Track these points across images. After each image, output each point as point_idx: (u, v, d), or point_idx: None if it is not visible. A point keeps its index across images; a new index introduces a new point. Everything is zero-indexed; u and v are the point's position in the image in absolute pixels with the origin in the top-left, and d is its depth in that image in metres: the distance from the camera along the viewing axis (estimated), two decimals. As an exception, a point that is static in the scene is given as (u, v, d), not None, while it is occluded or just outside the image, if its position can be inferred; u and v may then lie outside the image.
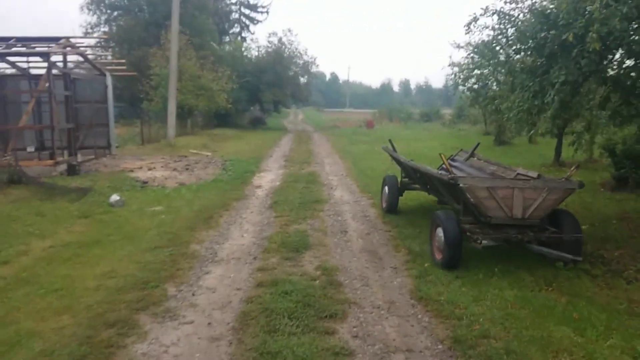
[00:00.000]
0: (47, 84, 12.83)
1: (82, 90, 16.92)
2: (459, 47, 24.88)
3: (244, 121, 44.03)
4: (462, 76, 19.89)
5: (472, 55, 18.35)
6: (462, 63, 20.29)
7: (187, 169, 15.32)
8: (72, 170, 13.36)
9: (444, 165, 9.95)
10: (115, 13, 39.80)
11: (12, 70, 16.02)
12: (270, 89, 41.88)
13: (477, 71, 18.74)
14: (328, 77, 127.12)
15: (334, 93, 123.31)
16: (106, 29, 39.26)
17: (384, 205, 9.60)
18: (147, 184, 12.77)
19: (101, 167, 15.15)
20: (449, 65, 22.12)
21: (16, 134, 13.78)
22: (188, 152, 20.18)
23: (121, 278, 6.13)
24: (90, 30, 39.81)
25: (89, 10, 39.25)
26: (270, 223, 8.90)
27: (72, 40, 14.57)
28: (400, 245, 7.54)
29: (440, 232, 6.35)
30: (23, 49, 13.41)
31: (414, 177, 9.15)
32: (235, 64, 39.06)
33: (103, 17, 40.04)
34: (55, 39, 13.71)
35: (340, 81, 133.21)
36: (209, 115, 34.18)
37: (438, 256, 6.41)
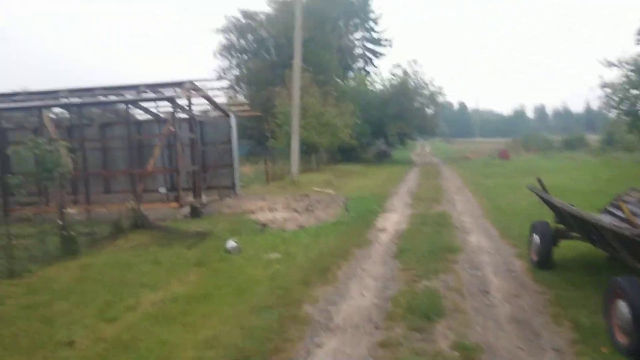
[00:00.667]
0: (172, 128, 13.03)
1: (208, 132, 17.26)
2: (610, 65, 21.96)
3: (369, 155, 43.42)
4: (616, 98, 17.23)
5: (629, 73, 15.79)
6: (616, 83, 17.62)
7: (308, 209, 14.69)
8: (195, 213, 13.34)
9: (609, 207, 8.01)
10: (245, 57, 41.79)
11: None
12: (395, 122, 41.00)
13: (634, 91, 16.09)
14: (455, 106, 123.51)
15: (462, 122, 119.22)
16: (237, 72, 41.33)
17: (534, 257, 7.90)
18: (266, 226, 12.27)
19: (224, 208, 15.07)
20: (601, 85, 19.40)
21: (149, 177, 14.24)
22: (311, 190, 19.72)
23: (221, 349, 5.32)
24: (222, 74, 42.25)
25: (222, 55, 41.67)
26: (395, 277, 7.70)
27: (197, 83, 14.85)
28: (561, 315, 5.89)
29: (623, 307, 4.70)
30: (151, 94, 13.86)
31: (574, 224, 7.39)
32: (359, 98, 38.83)
33: (234, 61, 42.28)
34: (180, 83, 14.02)
35: (469, 110, 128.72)
36: (333, 150, 34.01)
37: (622, 340, 4.74)
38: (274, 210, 14.63)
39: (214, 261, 9.08)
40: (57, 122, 15.96)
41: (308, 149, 29.07)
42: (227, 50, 41.76)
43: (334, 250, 9.54)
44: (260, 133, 32.25)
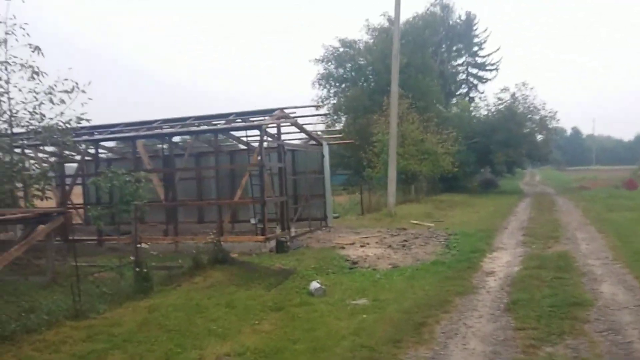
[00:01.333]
0: (259, 157, 12.42)
1: (300, 160, 16.59)
2: None
3: (474, 185, 40.90)
4: None
5: None
6: None
7: (403, 245, 13.32)
8: (280, 248, 12.51)
9: None
10: (343, 85, 41.46)
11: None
12: (502, 149, 38.32)
13: None
14: (569, 131, 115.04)
15: (577, 149, 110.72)
16: (335, 100, 41.00)
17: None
18: (356, 264, 11.11)
19: (313, 242, 14.15)
20: None
21: (241, 207, 13.76)
22: (408, 224, 18.29)
23: None
24: (320, 104, 42.15)
25: (320, 85, 41.70)
26: (507, 340, 6.17)
27: (290, 111, 14.24)
28: None
29: None
30: (239, 123, 13.42)
31: None
32: (462, 125, 36.84)
33: (332, 90, 42.10)
34: (270, 111, 13.47)
35: (584, 135, 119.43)
36: (433, 179, 32.22)
37: None
38: (366, 245, 13.44)
39: (294, 305, 8.07)
40: (154, 152, 16.11)
41: (407, 179, 27.61)
42: (325, 79, 41.73)
43: (431, 299, 8.13)
44: (358, 162, 31.32)
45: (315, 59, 41.44)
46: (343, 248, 13.08)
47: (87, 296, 7.90)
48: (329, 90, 42.27)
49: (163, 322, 7.16)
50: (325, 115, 40.57)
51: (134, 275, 8.42)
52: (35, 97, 10.64)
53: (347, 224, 18.51)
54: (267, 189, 12.79)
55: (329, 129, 41.45)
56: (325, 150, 17.18)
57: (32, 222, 8.95)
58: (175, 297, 8.45)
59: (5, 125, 10.73)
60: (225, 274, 9.80)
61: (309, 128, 16.56)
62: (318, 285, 8.87)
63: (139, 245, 8.43)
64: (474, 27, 59.17)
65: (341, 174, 41.34)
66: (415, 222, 18.65)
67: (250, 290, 8.93)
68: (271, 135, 13.95)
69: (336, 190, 26.36)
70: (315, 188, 17.25)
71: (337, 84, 41.76)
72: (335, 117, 40.44)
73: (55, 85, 10.60)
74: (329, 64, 41.54)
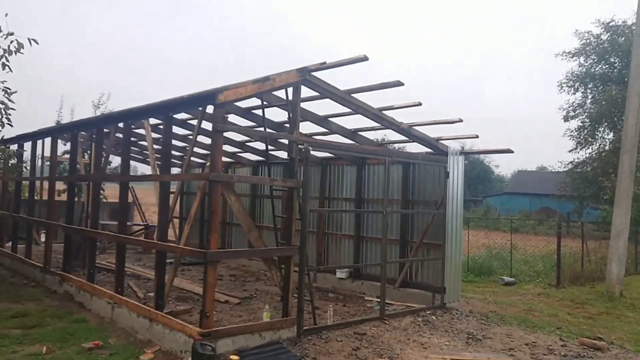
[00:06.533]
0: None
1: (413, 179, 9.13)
2: None
3: None
4: None
5: None
6: None
7: None
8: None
9: None
10: (600, 85, 29.96)
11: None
12: None
13: None
14: None
15: None
16: (592, 107, 29.67)
17: None
18: None
19: (362, 349, 6.66)
20: None
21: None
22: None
23: None
24: (572, 113, 31.22)
25: (569, 87, 30.89)
26: None
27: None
28: None
29: None
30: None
31: None
32: None
33: (590, 95, 30.75)
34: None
35: None
36: None
37: None
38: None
39: None
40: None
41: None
42: (580, 80, 30.67)
43: None
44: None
45: (566, 53, 30.80)
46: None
47: None
48: (584, 94, 31.07)
49: None
50: (578, 130, 29.83)
51: None
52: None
53: (498, 306, 9.97)
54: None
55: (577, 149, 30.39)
56: (455, 164, 9.24)
57: None
58: None
59: None
60: None
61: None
62: None
63: None
64: None
65: (596, 207, 29.76)
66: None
67: None
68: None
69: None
70: (433, 230, 9.51)
71: (594, 84, 30.40)
72: (590, 131, 29.27)
73: None
74: (587, 58, 30.43)
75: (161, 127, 9.30)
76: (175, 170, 12.60)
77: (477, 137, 8.82)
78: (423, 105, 7.74)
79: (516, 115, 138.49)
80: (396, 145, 11.11)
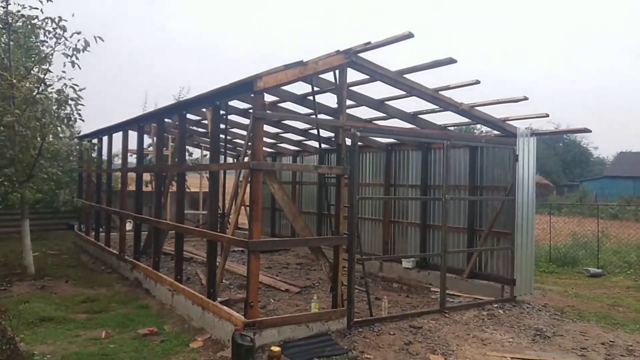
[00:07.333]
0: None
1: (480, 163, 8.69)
2: None
3: None
4: None
5: None
6: None
7: None
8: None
9: None
10: None
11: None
12: None
13: None
14: None
15: None
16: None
17: None
18: None
19: (416, 343, 6.37)
20: None
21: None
22: None
23: None
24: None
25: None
26: None
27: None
28: None
29: None
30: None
31: None
32: None
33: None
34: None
35: None
36: None
37: None
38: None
39: None
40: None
41: None
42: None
43: None
44: None
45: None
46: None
47: None
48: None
49: None
50: None
51: None
52: None
53: (578, 300, 9.14)
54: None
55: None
56: (525, 146, 8.50)
57: None
58: None
59: None
60: None
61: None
62: None
63: None
64: None
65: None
66: None
67: None
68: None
69: None
70: (503, 217, 8.87)
71: None
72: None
73: None
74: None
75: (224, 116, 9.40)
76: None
77: (547, 116, 8.00)
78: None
79: (619, 91, 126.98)
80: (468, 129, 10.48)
